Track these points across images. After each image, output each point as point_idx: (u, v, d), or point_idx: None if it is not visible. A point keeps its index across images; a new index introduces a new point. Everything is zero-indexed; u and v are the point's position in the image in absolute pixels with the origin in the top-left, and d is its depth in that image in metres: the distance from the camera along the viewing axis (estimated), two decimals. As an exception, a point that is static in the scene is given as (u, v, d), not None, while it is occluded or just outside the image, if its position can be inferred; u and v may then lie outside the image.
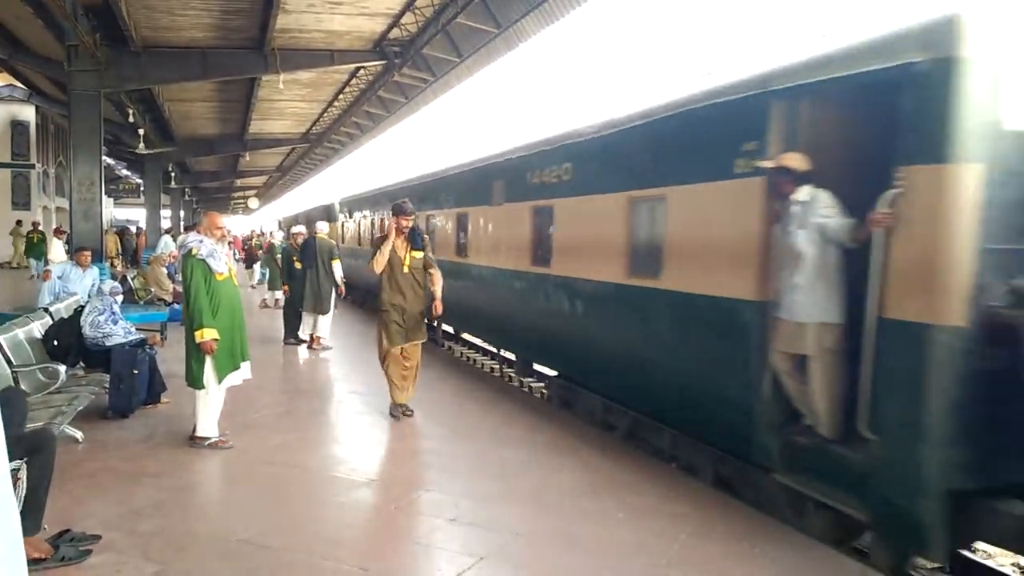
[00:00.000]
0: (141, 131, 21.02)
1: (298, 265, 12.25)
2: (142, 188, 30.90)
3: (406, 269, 7.43)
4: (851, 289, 4.75)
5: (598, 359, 7.64)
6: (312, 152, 32.51)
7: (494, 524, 4.96)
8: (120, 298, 9.12)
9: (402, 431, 7.36)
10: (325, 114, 23.88)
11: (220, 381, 6.44)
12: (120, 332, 7.80)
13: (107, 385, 7.23)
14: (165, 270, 14.56)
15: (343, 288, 12.61)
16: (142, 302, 13.30)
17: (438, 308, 7.64)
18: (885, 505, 4.42)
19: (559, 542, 4.72)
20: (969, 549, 5.41)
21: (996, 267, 4.06)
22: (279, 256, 14.75)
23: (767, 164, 5.04)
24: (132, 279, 14.35)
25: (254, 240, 27.11)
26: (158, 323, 12.01)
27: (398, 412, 7.61)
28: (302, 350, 12.15)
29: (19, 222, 25.73)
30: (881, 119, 4.44)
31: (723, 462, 6.00)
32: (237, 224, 63.86)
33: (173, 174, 32.31)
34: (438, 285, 7.62)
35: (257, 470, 6.07)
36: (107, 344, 7.54)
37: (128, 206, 45.06)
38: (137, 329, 9.03)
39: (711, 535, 4.88)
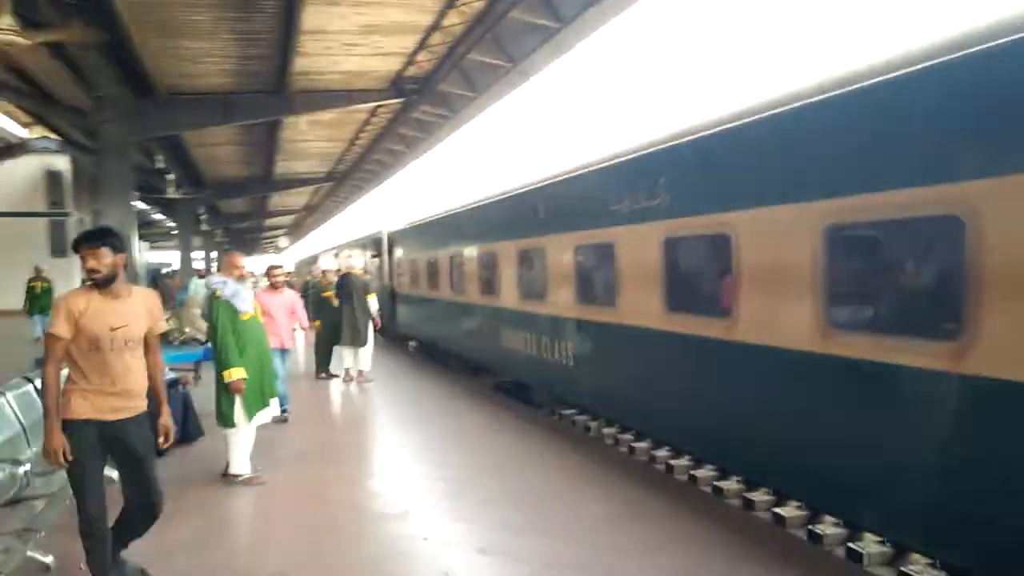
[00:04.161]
0: (170, 176, 21.49)
1: (335, 302, 12.48)
2: (175, 231, 31.47)
3: None
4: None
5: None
6: (338, 190, 32.96)
7: (524, 555, 4.97)
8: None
9: (435, 462, 7.39)
10: (348, 152, 24.24)
11: (250, 419, 6.55)
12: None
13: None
14: (198, 310, 14.81)
15: (379, 321, 12.85)
16: (177, 342, 13.54)
17: None
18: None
19: (589, 573, 4.71)
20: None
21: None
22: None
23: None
24: (167, 320, 14.57)
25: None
26: (192, 363, 12.23)
27: None
28: (335, 384, 12.29)
29: (37, 268, 19.94)
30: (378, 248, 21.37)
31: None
32: (265, 262, 64.52)
33: (204, 217, 32.88)
34: None
35: (290, 506, 6.15)
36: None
37: (162, 249, 45.96)
38: (171, 368, 9.20)
39: (749, 560, 4.83)
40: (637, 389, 7.41)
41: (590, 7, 10.84)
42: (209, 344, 7.13)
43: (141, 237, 33.72)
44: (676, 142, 6.53)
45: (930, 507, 4.17)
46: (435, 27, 12.70)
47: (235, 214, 40.50)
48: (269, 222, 48.20)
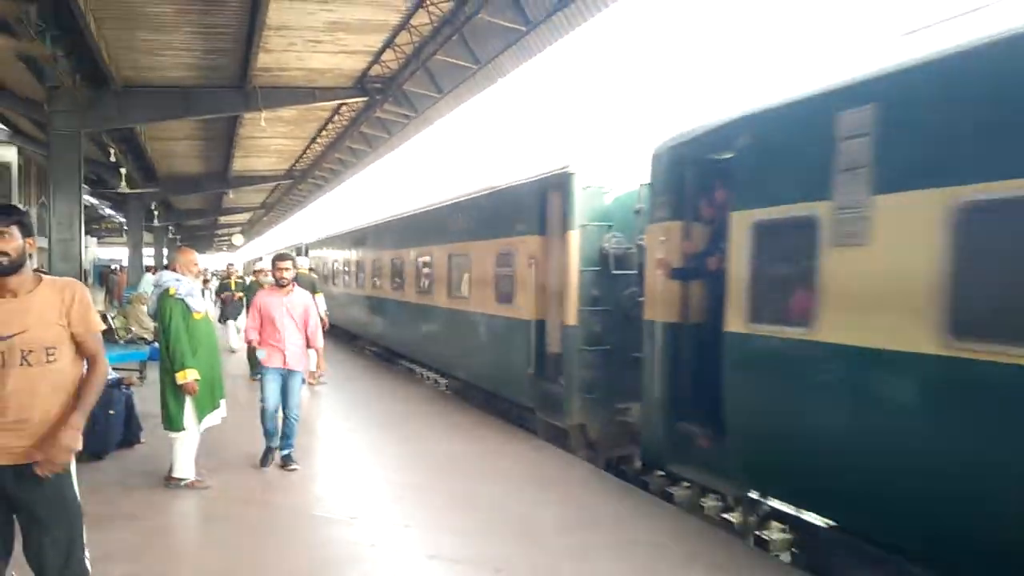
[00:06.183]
0: (123, 170, 20.96)
1: None
2: (125, 227, 30.71)
3: None
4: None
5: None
6: (296, 188, 32.54)
7: (475, 560, 4.89)
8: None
9: (385, 465, 7.27)
10: (308, 150, 23.95)
11: (200, 421, 6.35)
12: (96, 372, 7.68)
13: (82, 426, 7.09)
14: (145, 308, 14.42)
15: (327, 321, 12.52)
16: (122, 341, 13.17)
17: None
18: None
19: (541, 578, 4.65)
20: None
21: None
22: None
23: None
24: (112, 318, 14.20)
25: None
26: (137, 362, 11.88)
27: None
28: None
29: None
30: (299, 254, 23.07)
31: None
32: (219, 260, 63.55)
33: (156, 212, 32.17)
34: None
35: (234, 510, 5.97)
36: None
37: (111, 245, 44.79)
38: (115, 369, 8.93)
39: (693, 566, 4.83)
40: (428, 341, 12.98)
41: (558, 11, 10.91)
42: (155, 344, 6.87)
43: (89, 232, 32.83)
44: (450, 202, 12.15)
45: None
46: (403, 26, 12.62)
47: (189, 210, 39.72)
48: (224, 219, 47.41)
